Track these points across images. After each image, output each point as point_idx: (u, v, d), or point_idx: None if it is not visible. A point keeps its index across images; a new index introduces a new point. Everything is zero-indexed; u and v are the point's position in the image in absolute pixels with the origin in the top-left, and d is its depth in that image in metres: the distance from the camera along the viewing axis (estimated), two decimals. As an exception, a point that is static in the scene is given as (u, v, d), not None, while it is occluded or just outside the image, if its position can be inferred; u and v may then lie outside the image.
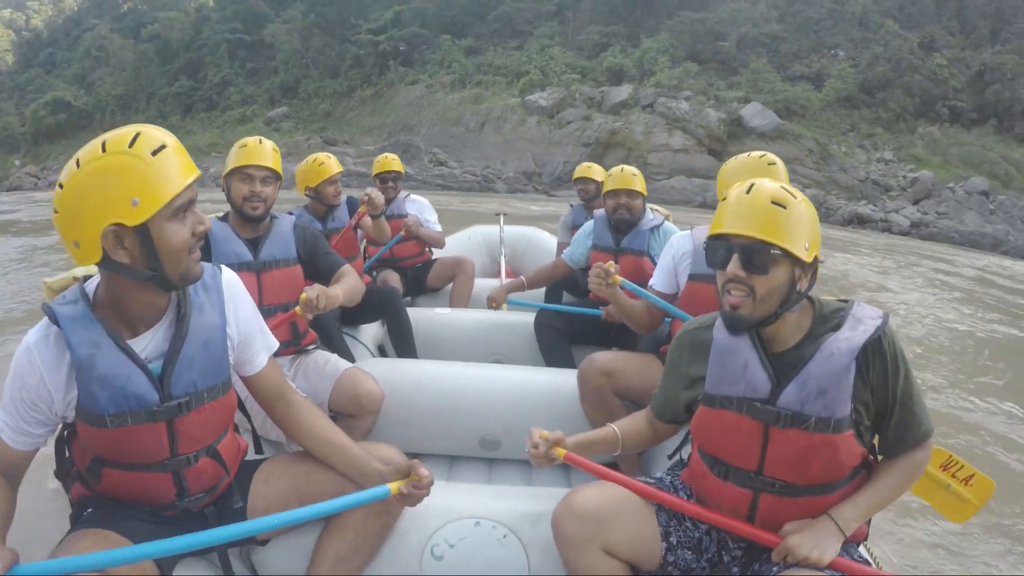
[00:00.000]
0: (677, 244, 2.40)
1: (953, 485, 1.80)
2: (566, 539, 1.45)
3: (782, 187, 1.34)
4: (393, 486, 1.37)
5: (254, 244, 2.31)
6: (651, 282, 2.46)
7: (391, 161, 4.10)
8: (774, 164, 2.18)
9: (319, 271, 2.38)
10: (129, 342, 1.26)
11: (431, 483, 1.42)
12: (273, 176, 2.31)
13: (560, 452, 1.49)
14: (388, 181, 4.08)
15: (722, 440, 1.43)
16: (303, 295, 1.98)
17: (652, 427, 1.67)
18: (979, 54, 31.26)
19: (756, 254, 1.28)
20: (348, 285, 2.24)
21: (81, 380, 1.21)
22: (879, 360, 1.30)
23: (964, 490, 1.79)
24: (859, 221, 21.85)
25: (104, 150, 1.12)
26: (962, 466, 1.80)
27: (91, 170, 1.11)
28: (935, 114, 29.15)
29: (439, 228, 4.27)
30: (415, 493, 1.41)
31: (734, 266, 1.30)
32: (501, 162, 28.54)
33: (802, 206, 1.33)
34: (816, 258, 1.33)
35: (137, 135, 1.14)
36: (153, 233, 1.15)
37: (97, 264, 1.16)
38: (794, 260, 1.29)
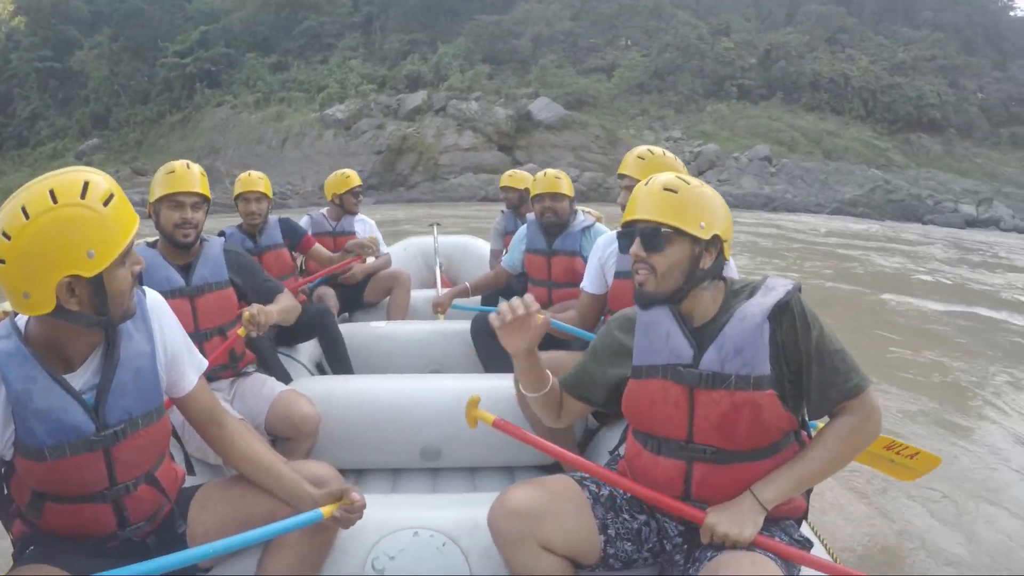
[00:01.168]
0: (602, 245, 2.48)
1: (897, 460, 1.85)
2: (502, 538, 1.46)
3: (677, 176, 1.47)
4: (326, 510, 1.38)
5: (185, 270, 2.26)
6: (582, 284, 2.53)
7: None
8: (662, 156, 2.32)
9: (259, 296, 2.37)
10: (64, 376, 1.25)
11: (363, 507, 1.44)
12: (202, 201, 2.27)
13: (487, 418, 1.53)
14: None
15: (652, 411, 1.46)
16: (246, 313, 2.06)
17: (562, 399, 1.68)
18: (768, 36, 32.73)
19: (651, 234, 1.42)
20: (283, 304, 2.32)
21: (18, 415, 1.20)
22: (788, 317, 1.35)
23: (909, 463, 1.85)
24: None
25: (55, 200, 1.11)
26: (906, 447, 1.85)
27: (44, 222, 1.10)
28: (724, 93, 30.56)
29: (386, 250, 4.37)
30: (347, 516, 1.42)
31: (636, 247, 1.44)
32: (301, 177, 27.73)
33: (696, 191, 1.44)
34: (717, 237, 1.42)
35: (86, 184, 1.13)
36: (105, 281, 1.17)
37: (48, 314, 1.15)
38: (691, 238, 1.40)
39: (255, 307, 2.11)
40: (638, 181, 2.41)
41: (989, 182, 32.18)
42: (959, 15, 42.96)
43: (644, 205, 1.44)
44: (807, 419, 1.47)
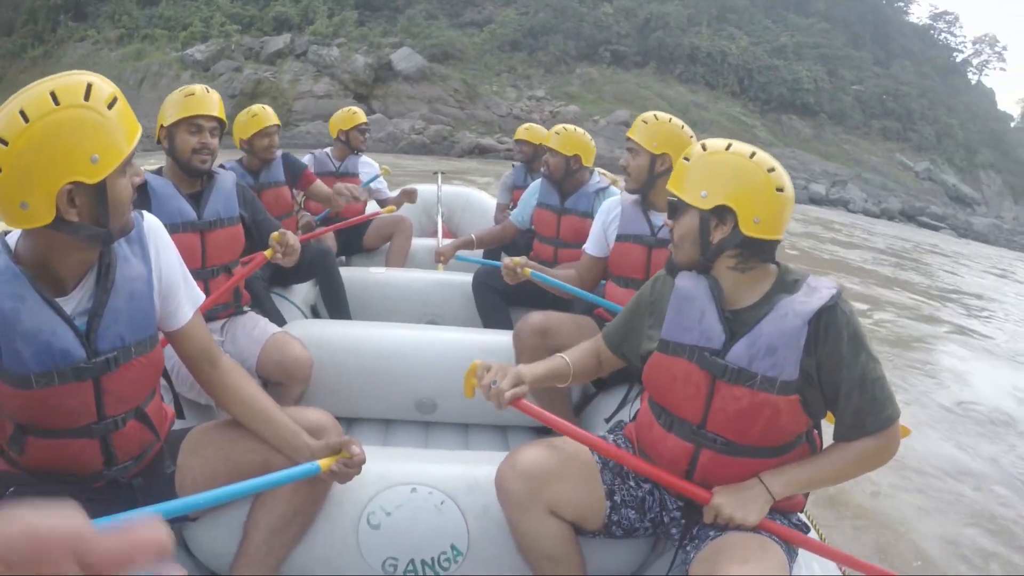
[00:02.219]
0: (607, 208, 2.44)
1: None
2: (510, 499, 1.42)
3: (701, 144, 1.42)
4: (323, 463, 1.33)
5: (196, 201, 2.13)
6: (584, 246, 2.48)
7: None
8: (667, 123, 2.25)
9: (259, 234, 2.31)
10: (55, 300, 1.17)
11: (363, 461, 1.38)
12: (220, 127, 2.17)
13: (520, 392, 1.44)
14: (365, 132, 3.95)
15: (670, 388, 1.42)
16: (275, 234, 2.05)
17: (598, 358, 1.67)
18: (651, 6, 32.91)
19: (671, 204, 1.44)
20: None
21: (4, 336, 1.12)
22: (832, 333, 1.27)
23: None
24: (480, 151, 22.94)
25: (57, 102, 1.03)
26: None
27: (45, 125, 1.02)
28: (598, 57, 30.65)
29: (388, 192, 4.24)
30: (345, 471, 1.37)
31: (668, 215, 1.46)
32: (155, 120, 26.31)
33: (707, 159, 1.38)
34: (724, 207, 1.34)
35: (90, 86, 1.07)
36: (107, 190, 1.10)
37: (47, 226, 1.07)
38: (698, 209, 1.36)
39: (287, 231, 2.07)
40: (638, 144, 2.27)
41: (852, 167, 33.50)
42: (851, 11, 44.40)
43: (674, 176, 1.44)
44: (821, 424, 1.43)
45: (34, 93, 1.04)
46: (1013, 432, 4.62)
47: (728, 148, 1.38)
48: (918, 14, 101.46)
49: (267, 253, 2.10)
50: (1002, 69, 58.76)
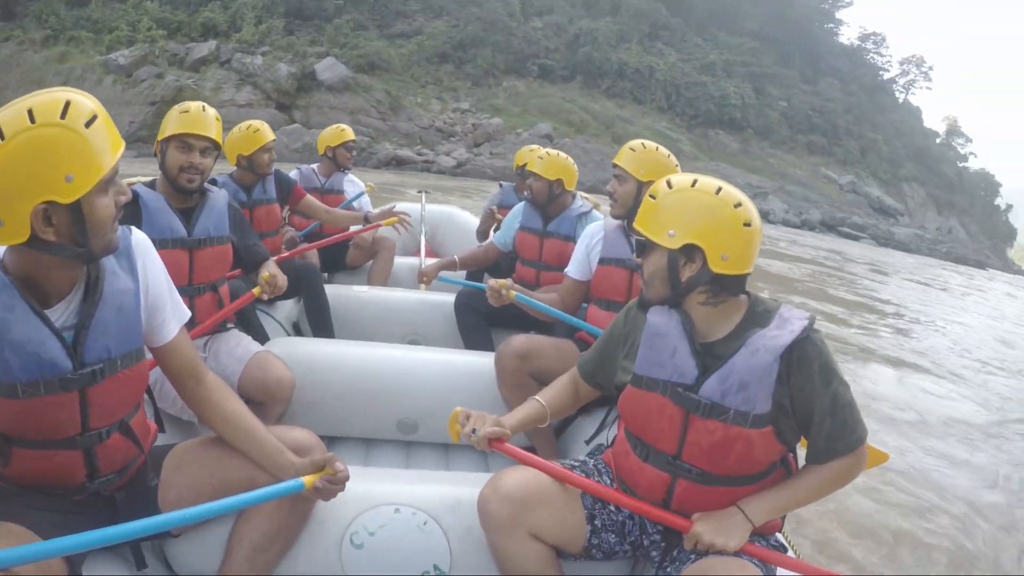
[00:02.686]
0: (591, 233, 2.46)
1: None
2: (492, 522, 1.43)
3: (666, 180, 1.41)
4: (308, 480, 1.31)
5: (187, 217, 2.12)
6: (567, 269, 2.49)
7: (350, 131, 3.77)
8: (654, 151, 2.32)
9: (243, 259, 2.33)
10: (44, 311, 1.18)
11: (347, 478, 1.37)
12: (213, 147, 2.15)
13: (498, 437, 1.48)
14: (352, 150, 3.93)
15: (645, 421, 1.44)
16: (265, 273, 2.17)
17: (575, 390, 1.71)
18: (581, 22, 33.67)
19: (638, 242, 1.45)
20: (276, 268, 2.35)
21: None
22: (804, 366, 1.30)
23: None
24: (397, 163, 23.28)
25: (33, 120, 1.01)
26: None
27: (20, 143, 1.01)
28: (526, 70, 30.96)
29: (373, 211, 4.02)
30: (330, 488, 1.36)
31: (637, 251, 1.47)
32: (74, 124, 25.89)
33: (674, 196, 1.37)
34: (692, 246, 1.33)
35: (68, 103, 1.04)
36: (84, 209, 1.08)
37: (23, 244, 1.07)
38: (666, 248, 1.36)
39: (273, 267, 2.13)
40: (625, 171, 2.30)
41: (777, 180, 34.66)
42: (781, 31, 45.95)
43: (639, 212, 1.43)
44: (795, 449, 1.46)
45: (14, 110, 1.03)
46: (946, 433, 5.14)
47: (694, 184, 1.38)
48: (848, 35, 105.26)
49: (255, 291, 2.15)
50: (928, 88, 60.93)
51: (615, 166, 2.34)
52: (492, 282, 2.32)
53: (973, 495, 4.06)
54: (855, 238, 28.88)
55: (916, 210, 45.76)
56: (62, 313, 1.21)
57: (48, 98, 1.05)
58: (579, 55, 31.96)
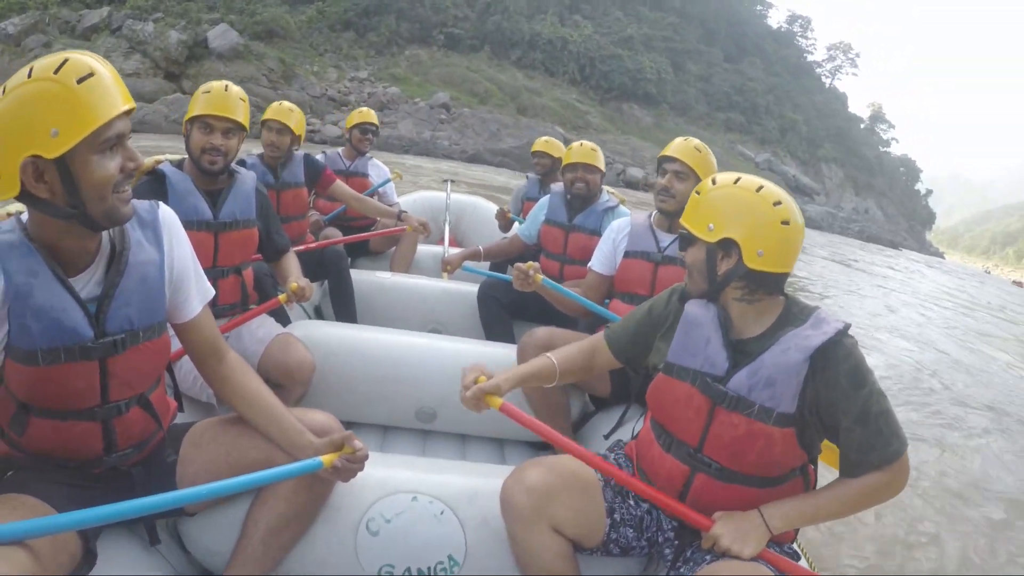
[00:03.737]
0: (618, 228, 2.48)
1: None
2: (515, 513, 1.44)
3: (711, 178, 1.46)
4: (326, 459, 1.30)
5: (213, 199, 2.11)
6: (590, 263, 2.50)
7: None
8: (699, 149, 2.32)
9: (267, 248, 2.34)
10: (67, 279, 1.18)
11: (366, 457, 1.37)
12: (237, 128, 2.10)
13: (495, 402, 1.46)
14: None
15: (672, 409, 1.45)
16: (293, 284, 2.13)
17: (591, 359, 1.69)
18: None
19: (681, 236, 1.50)
20: (298, 268, 2.35)
21: (14, 310, 1.11)
22: (831, 366, 1.29)
23: None
24: None
25: (29, 76, 1.03)
26: None
27: (13, 97, 1.02)
28: (432, 39, 30.62)
29: (396, 198, 4.31)
30: (349, 467, 1.35)
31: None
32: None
33: (718, 192, 1.41)
34: (729, 240, 1.36)
35: (65, 61, 1.04)
36: (74, 167, 1.06)
37: (16, 198, 1.07)
38: (704, 241, 1.39)
39: (303, 280, 2.14)
40: (691, 168, 2.27)
41: (691, 155, 35.03)
42: (707, 9, 46.55)
43: (686, 207, 1.47)
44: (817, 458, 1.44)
45: (23, 69, 1.05)
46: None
47: (736, 182, 1.41)
48: (776, 18, 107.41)
49: (281, 298, 2.14)
50: (854, 74, 62.71)
51: (673, 160, 2.29)
52: (520, 264, 2.26)
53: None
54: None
55: (833, 190, 47.00)
56: (85, 283, 1.20)
57: (53, 56, 1.06)
58: (489, 24, 31.75)
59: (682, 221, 1.47)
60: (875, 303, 11.93)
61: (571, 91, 34.18)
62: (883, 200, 53.19)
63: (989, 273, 54.75)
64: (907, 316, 11.00)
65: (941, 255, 56.62)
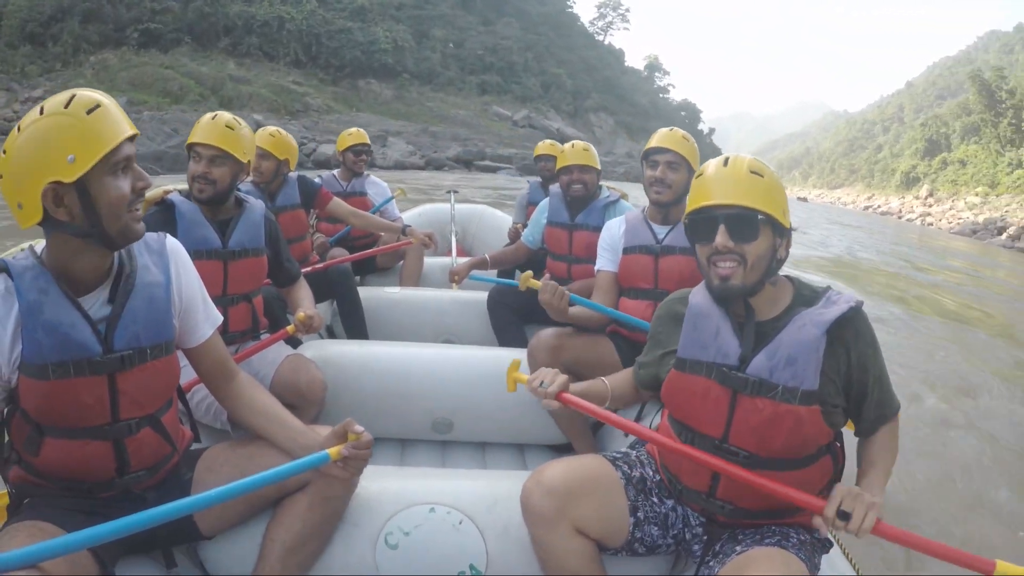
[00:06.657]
0: (615, 225, 2.47)
1: None
2: (536, 516, 1.42)
3: (755, 159, 1.40)
4: (332, 452, 1.34)
5: (222, 228, 2.15)
6: (597, 265, 2.49)
7: (361, 134, 3.96)
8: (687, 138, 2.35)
9: (277, 276, 2.38)
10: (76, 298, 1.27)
11: (371, 440, 1.39)
12: (224, 156, 2.10)
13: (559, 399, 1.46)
14: (361, 154, 4.09)
15: (690, 405, 1.43)
16: (301, 314, 2.12)
17: (636, 390, 1.69)
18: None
19: (745, 221, 1.33)
20: (310, 297, 2.37)
21: (26, 327, 1.19)
22: (851, 335, 1.32)
23: None
24: None
25: (41, 113, 1.15)
26: None
27: (29, 133, 1.14)
28: (126, 39, 29.35)
29: (398, 214, 4.32)
30: (356, 454, 1.36)
31: (722, 237, 1.33)
32: None
33: (774, 176, 1.38)
34: (790, 227, 1.39)
35: (73, 96, 1.17)
36: (91, 188, 1.16)
37: (40, 224, 1.18)
38: (775, 226, 1.35)
39: (312, 310, 2.16)
40: (683, 157, 2.27)
41: (437, 124, 35.85)
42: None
43: (733, 189, 1.34)
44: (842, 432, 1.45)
45: (35, 108, 1.16)
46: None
47: (748, 165, 1.38)
48: None
49: (290, 329, 2.14)
50: (626, 29, 66.44)
51: (665, 151, 2.28)
52: (547, 283, 2.15)
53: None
54: (493, 170, 29.87)
55: (605, 138, 49.82)
56: (93, 303, 1.27)
57: (60, 95, 1.18)
58: (190, 13, 30.75)
59: (755, 206, 1.32)
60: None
61: (291, 74, 34.03)
62: (660, 141, 56.66)
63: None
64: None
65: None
